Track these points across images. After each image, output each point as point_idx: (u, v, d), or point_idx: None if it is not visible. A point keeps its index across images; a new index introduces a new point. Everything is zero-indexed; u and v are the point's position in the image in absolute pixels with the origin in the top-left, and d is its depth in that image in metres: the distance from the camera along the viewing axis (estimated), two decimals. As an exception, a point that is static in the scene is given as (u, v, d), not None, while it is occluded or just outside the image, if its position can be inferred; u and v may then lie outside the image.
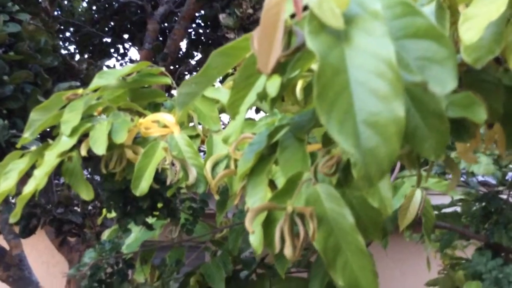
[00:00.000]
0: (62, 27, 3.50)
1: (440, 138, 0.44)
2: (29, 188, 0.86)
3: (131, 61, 3.84)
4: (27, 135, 0.91)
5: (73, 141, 0.88)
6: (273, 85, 0.54)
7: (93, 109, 0.97)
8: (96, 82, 1.01)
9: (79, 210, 2.46)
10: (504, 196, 1.59)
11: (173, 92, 1.25)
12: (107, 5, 3.49)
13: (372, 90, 0.33)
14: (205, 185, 0.92)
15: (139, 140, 0.98)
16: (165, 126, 0.98)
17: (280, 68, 0.45)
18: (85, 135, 0.94)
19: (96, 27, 3.52)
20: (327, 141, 0.68)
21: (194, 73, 1.20)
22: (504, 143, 0.60)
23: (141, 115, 1.04)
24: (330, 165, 0.56)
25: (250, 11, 2.46)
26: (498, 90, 0.58)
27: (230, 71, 1.33)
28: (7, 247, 2.79)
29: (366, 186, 0.32)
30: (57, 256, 3.40)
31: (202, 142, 1.04)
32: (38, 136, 1.08)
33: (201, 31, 3.57)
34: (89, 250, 1.13)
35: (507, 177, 1.64)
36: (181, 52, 3.52)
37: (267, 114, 1.08)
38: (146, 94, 1.12)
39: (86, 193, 0.90)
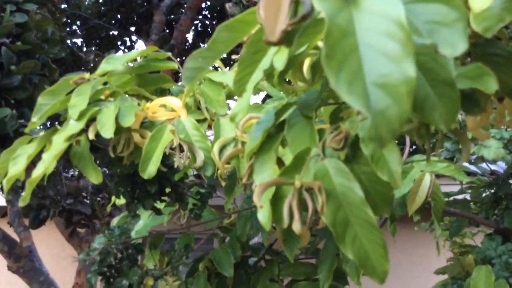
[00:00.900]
0: (69, 20, 3.51)
1: (450, 106, 0.44)
2: (38, 171, 0.87)
3: (138, 53, 3.83)
4: (35, 119, 0.91)
5: (80, 124, 0.89)
6: (280, 59, 0.54)
7: (100, 94, 0.97)
8: (103, 67, 1.01)
9: (88, 201, 2.48)
10: (514, 182, 1.58)
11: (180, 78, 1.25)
12: (113, -2, 3.49)
13: (381, 51, 0.33)
14: (213, 168, 0.92)
15: (147, 125, 0.98)
16: (172, 110, 0.98)
17: (287, 38, 0.44)
18: (92, 120, 0.94)
19: (103, 20, 3.53)
20: (335, 119, 0.67)
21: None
22: (515, 117, 0.59)
23: (148, 100, 1.04)
24: (338, 140, 0.56)
25: None
26: (509, 63, 0.57)
27: (236, 57, 1.33)
28: (17, 239, 2.82)
29: (377, 146, 0.31)
30: (67, 250, 3.43)
31: (209, 126, 1.03)
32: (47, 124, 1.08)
33: (207, 22, 3.56)
34: (99, 235, 1.13)
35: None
36: (187, 44, 3.52)
37: (274, 98, 1.08)
38: (153, 79, 1.12)
39: (95, 177, 0.90)
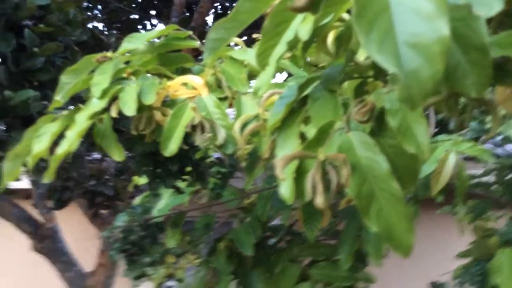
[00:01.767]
0: (90, 5, 3.52)
1: (483, 73, 0.42)
2: (62, 149, 0.88)
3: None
4: (59, 97, 0.92)
5: (103, 102, 0.89)
6: (305, 29, 0.53)
7: (122, 72, 0.97)
8: (125, 46, 1.01)
9: (110, 183, 2.51)
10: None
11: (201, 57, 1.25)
12: (133, -19, 3.49)
13: (414, 9, 0.31)
14: (234, 146, 0.91)
15: (168, 103, 0.98)
16: (193, 89, 0.98)
17: (313, 4, 0.43)
18: (115, 98, 0.94)
19: (123, 3, 3.53)
20: (360, 93, 0.66)
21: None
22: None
23: (169, 79, 1.04)
24: (363, 112, 0.55)
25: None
26: (543, 32, 0.55)
27: (257, 36, 1.31)
28: (42, 220, 2.88)
29: (409, 107, 0.30)
30: (90, 231, 3.49)
31: (230, 105, 1.03)
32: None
33: (227, 4, 3.54)
34: (121, 214, 1.14)
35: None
36: (207, 26, 3.50)
37: (295, 76, 1.07)
38: (174, 59, 1.12)
39: (118, 154, 0.91)
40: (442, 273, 2.20)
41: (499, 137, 1.48)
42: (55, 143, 0.96)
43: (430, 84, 0.30)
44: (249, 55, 1.00)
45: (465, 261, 1.84)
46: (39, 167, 1.66)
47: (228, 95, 1.00)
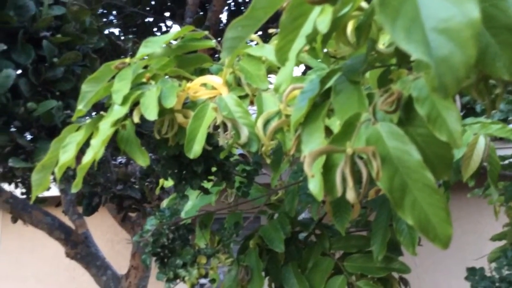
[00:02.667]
0: (105, 11, 3.55)
1: (515, 54, 0.40)
2: (88, 158, 0.88)
3: (174, 38, 3.85)
4: (81, 107, 0.92)
5: (125, 109, 0.89)
6: (324, 21, 0.51)
7: (142, 77, 0.97)
8: (142, 51, 1.01)
9: (137, 186, 2.54)
10: None
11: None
12: (146, -16, 3.50)
13: (440, -6, 0.30)
14: (258, 143, 0.90)
15: (189, 105, 0.98)
16: (213, 89, 0.97)
17: (331, -4, 0.42)
18: (136, 104, 0.94)
19: (138, 7, 3.55)
20: (384, 82, 0.64)
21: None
22: None
23: (188, 80, 1.03)
24: (390, 102, 0.53)
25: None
26: None
27: (273, 31, 1.30)
28: (73, 227, 2.93)
29: (441, 96, 0.29)
30: (121, 234, 3.55)
31: (251, 102, 1.02)
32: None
33: (240, 0, 3.53)
34: (150, 217, 1.15)
35: None
36: (222, 24, 3.50)
37: (315, 69, 1.05)
38: (192, 60, 1.11)
39: (142, 159, 0.91)
40: (477, 256, 2.15)
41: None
42: (81, 151, 0.97)
43: (463, 71, 0.29)
44: (267, 51, 0.99)
45: (500, 243, 1.80)
46: (67, 176, 1.69)
47: (248, 92, 0.99)
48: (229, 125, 0.89)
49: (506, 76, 0.40)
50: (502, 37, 0.40)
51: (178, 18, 3.54)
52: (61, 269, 4.05)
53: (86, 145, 0.95)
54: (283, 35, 0.57)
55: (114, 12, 3.55)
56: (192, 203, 1.36)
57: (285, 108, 0.85)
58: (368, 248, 1.36)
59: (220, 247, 1.21)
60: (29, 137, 1.70)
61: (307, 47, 0.97)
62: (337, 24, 0.56)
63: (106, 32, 3.18)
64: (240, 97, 0.98)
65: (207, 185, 1.26)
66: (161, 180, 1.66)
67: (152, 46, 1.02)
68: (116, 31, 3.67)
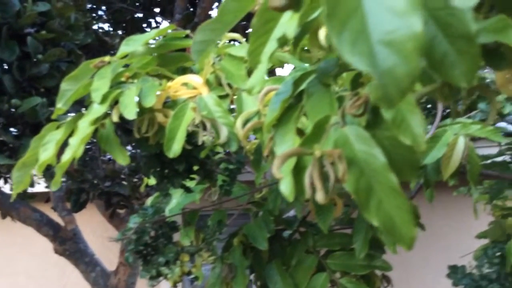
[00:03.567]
0: (94, 6, 3.54)
1: (471, 62, 0.41)
2: (67, 156, 0.88)
3: (164, 34, 3.84)
4: (60, 105, 0.92)
5: (104, 108, 0.89)
6: (292, 26, 0.52)
7: (121, 76, 0.97)
8: (123, 49, 1.01)
9: (125, 182, 2.54)
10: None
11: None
12: (135, -20, 3.49)
13: (387, 6, 0.31)
14: (237, 143, 0.91)
15: (169, 104, 0.98)
16: (194, 88, 0.98)
17: (294, 3, 0.42)
18: (117, 102, 0.94)
19: (127, 3, 3.54)
20: (356, 85, 0.65)
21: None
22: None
23: (169, 79, 1.04)
24: (357, 106, 0.54)
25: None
26: (538, 12, 0.53)
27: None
28: (61, 223, 2.92)
29: (386, 107, 0.30)
30: (110, 230, 3.54)
31: (232, 102, 1.03)
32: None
33: (230, -3, 3.52)
34: (133, 215, 1.15)
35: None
36: (211, 20, 3.50)
37: (296, 68, 1.06)
38: (174, 58, 1.12)
39: (122, 158, 0.91)
40: (464, 254, 2.18)
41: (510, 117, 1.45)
42: (63, 149, 0.97)
43: (407, 82, 0.30)
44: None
45: (487, 241, 1.82)
46: (52, 173, 1.68)
47: (228, 92, 0.99)
48: (208, 124, 0.90)
49: (463, 83, 0.41)
50: (459, 45, 0.41)
51: (167, 14, 3.54)
52: (51, 265, 4.04)
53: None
54: (254, 38, 0.58)
55: (103, 8, 3.53)
56: (176, 201, 1.36)
57: (264, 108, 0.85)
58: (351, 246, 1.37)
59: (203, 245, 1.21)
60: (15, 133, 1.69)
61: (287, 48, 0.98)
62: (307, 29, 0.56)
63: (95, 27, 3.16)
64: (221, 97, 0.99)
65: (191, 183, 1.27)
66: (145, 178, 1.66)
67: (133, 45, 1.03)
68: (105, 26, 3.66)
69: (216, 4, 3.31)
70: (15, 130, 1.63)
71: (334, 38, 0.30)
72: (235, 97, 0.99)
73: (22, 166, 0.99)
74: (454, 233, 3.53)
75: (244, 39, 1.10)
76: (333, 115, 0.58)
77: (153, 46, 1.03)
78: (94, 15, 3.52)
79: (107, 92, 0.90)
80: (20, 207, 2.74)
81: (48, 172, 1.60)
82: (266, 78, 1.02)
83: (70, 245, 2.85)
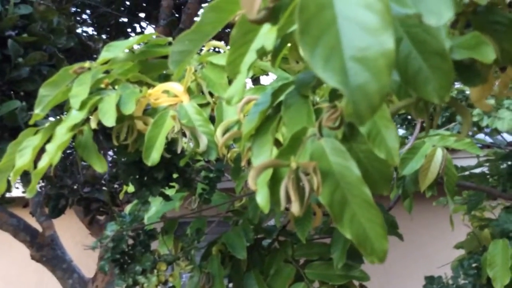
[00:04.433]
0: (78, 10, 3.51)
1: (444, 78, 0.42)
2: (43, 162, 0.87)
3: (148, 39, 3.82)
4: (38, 110, 0.91)
5: (82, 114, 0.88)
6: (270, 38, 0.52)
7: (101, 82, 0.96)
8: (104, 55, 1.01)
9: (105, 188, 2.51)
10: (532, 153, 1.54)
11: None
12: (120, -16, 3.47)
13: (360, 23, 0.31)
14: (217, 152, 0.91)
15: (150, 111, 0.98)
16: (174, 96, 0.98)
17: (271, 16, 0.43)
18: (95, 109, 0.94)
19: (112, 7, 3.51)
20: (333, 96, 0.66)
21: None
22: (519, 86, 0.57)
23: (150, 86, 1.03)
24: (334, 118, 0.54)
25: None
26: (510, 31, 0.54)
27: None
28: (39, 229, 2.87)
29: (357, 123, 0.30)
30: (90, 237, 3.49)
31: (213, 110, 1.02)
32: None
33: (215, 4, 3.52)
34: (111, 223, 1.14)
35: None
36: (196, 27, 3.49)
37: (277, 78, 1.06)
38: (156, 65, 1.11)
39: (99, 165, 0.90)
40: (444, 264, 2.20)
41: (489, 129, 1.48)
42: (41, 155, 0.96)
43: (377, 99, 0.30)
44: (229, 60, 1.00)
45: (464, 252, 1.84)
46: (29, 178, 1.66)
47: (209, 100, 0.99)
48: (187, 133, 0.90)
49: (436, 99, 0.42)
50: (433, 61, 0.42)
51: (152, 20, 3.52)
52: (30, 272, 3.97)
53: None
54: (234, 49, 0.58)
55: (88, 11, 3.51)
56: (156, 209, 1.35)
57: (243, 117, 0.86)
58: (330, 256, 1.38)
59: (181, 253, 1.20)
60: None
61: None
62: (286, 41, 0.57)
63: (79, 31, 3.13)
64: (202, 105, 0.99)
65: (171, 191, 1.26)
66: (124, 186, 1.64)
67: (114, 51, 1.02)
68: (90, 30, 3.63)
69: (201, 11, 3.32)
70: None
71: (307, 54, 0.30)
72: (216, 105, 0.99)
73: (-3, 171, 0.97)
74: (434, 242, 3.56)
75: (228, 48, 1.11)
76: (310, 127, 0.58)
77: (136, 52, 1.03)
78: (78, 18, 3.49)
79: (86, 98, 0.89)
80: (-3, 212, 2.69)
81: (26, 178, 1.57)
82: (252, 86, 1.02)
83: (47, 251, 2.80)
